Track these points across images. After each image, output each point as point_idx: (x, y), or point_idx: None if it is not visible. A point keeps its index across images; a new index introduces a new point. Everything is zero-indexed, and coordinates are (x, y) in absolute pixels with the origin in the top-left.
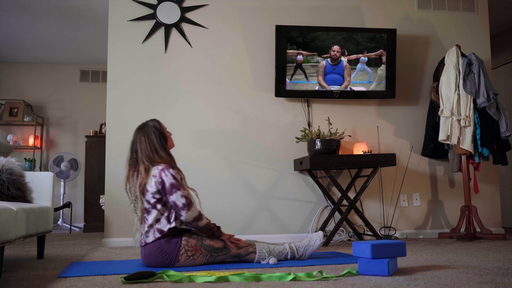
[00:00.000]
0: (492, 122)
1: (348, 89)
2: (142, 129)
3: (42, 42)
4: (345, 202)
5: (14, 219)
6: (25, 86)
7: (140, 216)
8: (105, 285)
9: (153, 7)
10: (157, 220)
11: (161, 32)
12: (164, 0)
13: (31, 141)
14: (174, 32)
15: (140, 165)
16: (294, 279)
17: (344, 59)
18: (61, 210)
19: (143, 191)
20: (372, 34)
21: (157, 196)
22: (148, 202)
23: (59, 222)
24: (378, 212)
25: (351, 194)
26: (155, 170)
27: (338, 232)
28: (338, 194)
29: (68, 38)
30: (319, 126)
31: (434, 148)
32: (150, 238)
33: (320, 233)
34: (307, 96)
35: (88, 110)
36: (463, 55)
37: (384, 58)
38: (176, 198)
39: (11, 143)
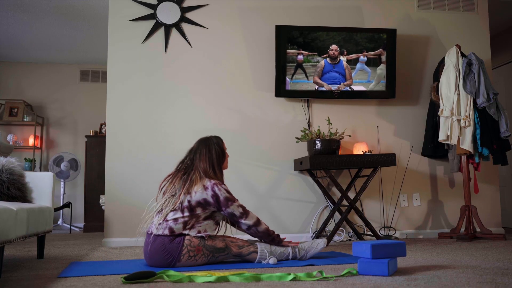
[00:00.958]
0: (492, 122)
1: (348, 88)
2: (205, 142)
3: (42, 42)
4: (345, 202)
5: (14, 219)
6: (25, 86)
7: (166, 207)
8: (105, 285)
9: (153, 7)
10: (175, 220)
11: (161, 32)
12: (164, 0)
13: (31, 141)
14: (174, 32)
15: (194, 173)
16: (294, 279)
17: (343, 59)
18: (61, 210)
19: (190, 191)
20: (371, 34)
21: (194, 204)
22: (182, 202)
23: (59, 222)
24: (378, 212)
25: (351, 194)
26: (208, 183)
27: (338, 232)
28: (338, 194)
29: (68, 38)
30: (319, 126)
31: (434, 148)
32: (159, 231)
33: (325, 240)
34: (307, 96)
35: (88, 110)
36: (463, 55)
37: (383, 58)
38: (233, 209)
39: (11, 143)
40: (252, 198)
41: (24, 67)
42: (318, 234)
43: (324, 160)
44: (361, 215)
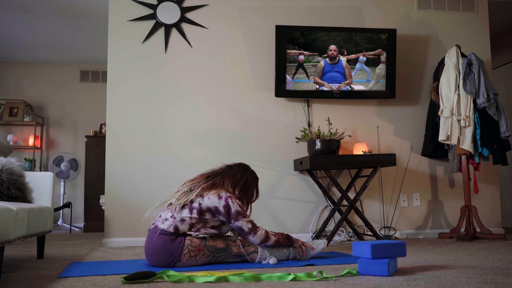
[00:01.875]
0: (492, 122)
1: (348, 88)
2: (244, 166)
3: (42, 42)
4: (345, 202)
5: (14, 219)
6: (25, 86)
7: (175, 203)
8: (105, 285)
9: (153, 7)
10: (182, 220)
11: (161, 32)
12: (164, 0)
13: (31, 141)
14: (174, 32)
15: (220, 180)
16: (294, 279)
17: (343, 59)
18: (61, 210)
19: (203, 194)
20: (370, 35)
21: (204, 208)
22: (192, 201)
23: (59, 222)
24: (378, 212)
25: (351, 194)
26: (223, 193)
27: (338, 232)
28: (338, 194)
29: (68, 38)
30: (319, 126)
31: (434, 148)
32: (164, 226)
33: (325, 241)
34: (307, 96)
35: (88, 110)
36: (463, 55)
37: (382, 58)
38: (242, 224)
39: (11, 143)
40: None
41: (24, 67)
42: (318, 234)
43: (324, 160)
44: (361, 215)
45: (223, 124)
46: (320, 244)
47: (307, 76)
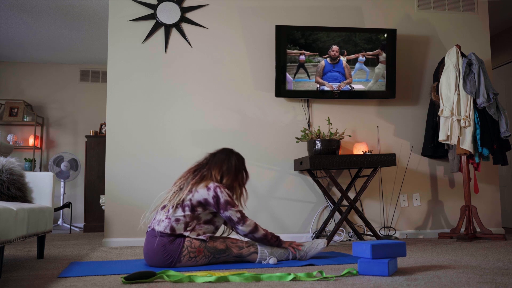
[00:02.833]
0: (492, 122)
1: (348, 87)
2: (227, 150)
3: (42, 42)
4: (345, 202)
5: (14, 219)
6: (25, 86)
7: (169, 203)
8: (105, 285)
9: (153, 7)
10: (177, 220)
11: (161, 32)
12: (164, 0)
13: (31, 141)
14: (174, 32)
15: (207, 171)
16: (294, 279)
17: (343, 59)
18: (61, 210)
19: (193, 190)
20: (370, 35)
21: (195, 203)
22: (184, 200)
23: (59, 222)
24: (378, 212)
25: (351, 194)
26: (211, 184)
27: (338, 232)
28: (338, 194)
29: (68, 38)
30: (319, 126)
31: (434, 148)
32: (160, 228)
33: (325, 240)
34: (307, 96)
35: (88, 110)
36: (463, 55)
37: (381, 57)
38: (231, 214)
39: (11, 143)
40: (252, 198)
41: (24, 67)
42: (318, 234)
43: (324, 160)
44: (361, 215)
45: (223, 124)
46: (320, 244)
47: (308, 76)
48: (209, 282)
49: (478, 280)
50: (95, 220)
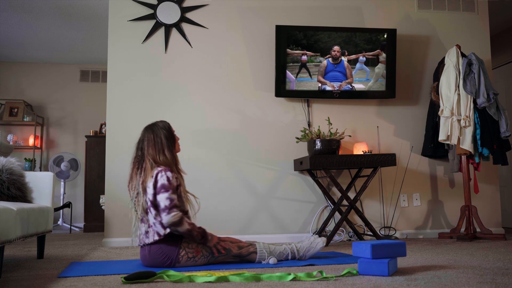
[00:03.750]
0: (492, 122)
1: (349, 86)
2: (151, 128)
3: (42, 42)
4: (345, 202)
5: (14, 219)
6: (25, 86)
7: (140, 214)
8: (105, 285)
9: (153, 7)
10: (154, 224)
11: (161, 32)
12: (164, 0)
13: (31, 141)
14: (174, 32)
15: (145, 162)
16: (294, 279)
17: (344, 59)
18: (61, 210)
19: (146, 188)
20: (370, 35)
21: (152, 199)
22: (145, 204)
23: (59, 222)
24: (378, 212)
25: (351, 194)
26: (155, 171)
27: (338, 232)
28: (338, 194)
29: (68, 38)
30: (319, 126)
31: (434, 148)
32: (150, 239)
33: (324, 239)
34: (307, 96)
35: (88, 110)
36: (463, 55)
37: (381, 58)
38: (161, 198)
39: (11, 143)
40: (252, 198)
41: (24, 67)
42: (318, 234)
43: (324, 160)
44: (361, 215)
45: (223, 124)
46: (319, 243)
47: (310, 75)
48: (209, 282)
49: (478, 280)
50: (95, 220)
